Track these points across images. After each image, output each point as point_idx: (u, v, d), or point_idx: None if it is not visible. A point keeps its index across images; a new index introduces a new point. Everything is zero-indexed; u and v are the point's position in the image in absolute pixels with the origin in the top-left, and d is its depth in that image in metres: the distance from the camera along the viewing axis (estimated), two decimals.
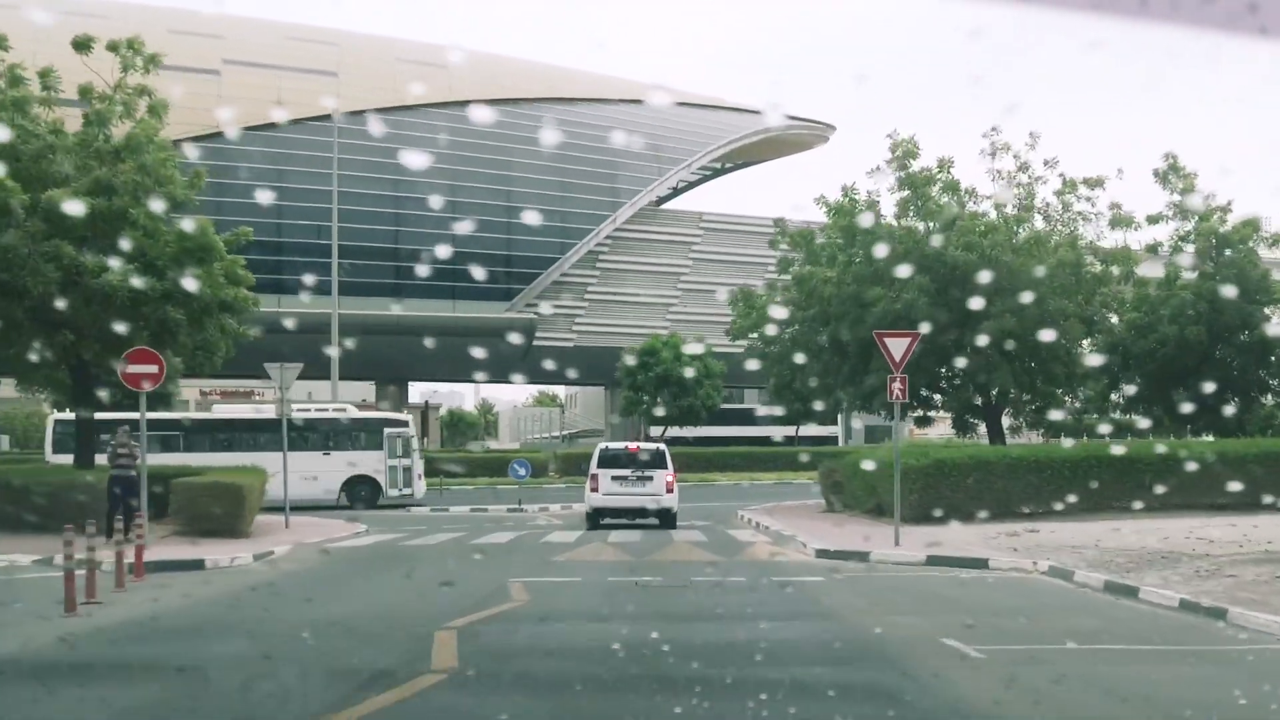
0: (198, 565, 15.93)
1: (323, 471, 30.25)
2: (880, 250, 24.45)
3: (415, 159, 55.39)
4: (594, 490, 21.92)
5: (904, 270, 23.40)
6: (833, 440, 67.62)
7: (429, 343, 51.47)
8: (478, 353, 52.30)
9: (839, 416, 62.80)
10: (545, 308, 59.27)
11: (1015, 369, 25.26)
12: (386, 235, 57.22)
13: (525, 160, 57.10)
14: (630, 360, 50.38)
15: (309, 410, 32.40)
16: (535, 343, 57.40)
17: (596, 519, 21.96)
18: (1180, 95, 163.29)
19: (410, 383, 71.23)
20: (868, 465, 20.21)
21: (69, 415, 27.88)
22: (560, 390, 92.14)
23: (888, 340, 17.17)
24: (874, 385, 23.85)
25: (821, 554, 16.89)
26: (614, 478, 21.78)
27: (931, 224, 25.46)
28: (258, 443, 28.22)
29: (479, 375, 52.70)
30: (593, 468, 22.19)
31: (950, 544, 16.56)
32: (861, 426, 70.24)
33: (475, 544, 19.19)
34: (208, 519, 19.07)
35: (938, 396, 27.91)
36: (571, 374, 62.06)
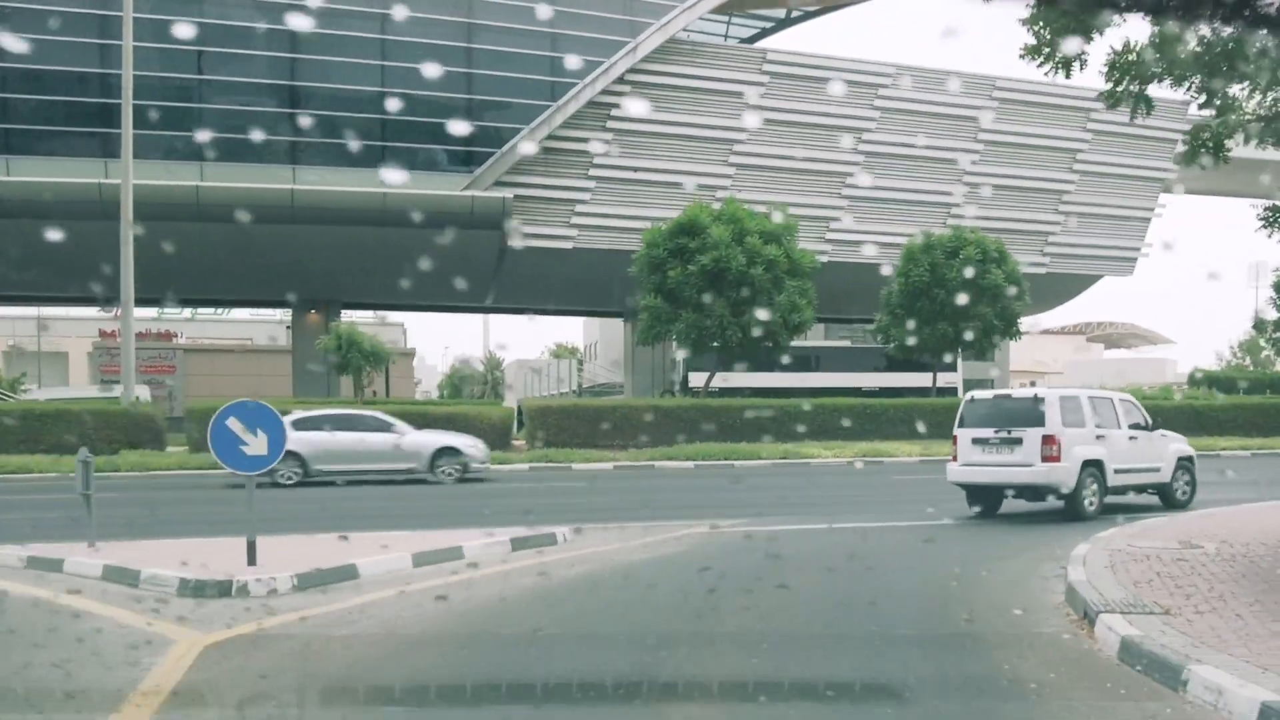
0: None
1: None
2: None
3: None
4: (953, 460, 16.64)
5: None
6: (951, 391, 46.79)
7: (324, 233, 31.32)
8: (421, 255, 32.35)
9: (958, 358, 43.22)
10: (526, 185, 39.00)
11: None
12: (277, 68, 36.87)
13: None
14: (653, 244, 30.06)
15: None
16: (511, 243, 37.33)
17: (971, 500, 16.64)
18: None
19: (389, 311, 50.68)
20: None
21: None
22: (579, 336, 72.31)
23: None
24: None
25: None
26: (974, 440, 16.14)
27: None
28: None
29: (417, 292, 33.01)
30: (955, 427, 16.67)
31: None
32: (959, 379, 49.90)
33: None
34: None
35: None
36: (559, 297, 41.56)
